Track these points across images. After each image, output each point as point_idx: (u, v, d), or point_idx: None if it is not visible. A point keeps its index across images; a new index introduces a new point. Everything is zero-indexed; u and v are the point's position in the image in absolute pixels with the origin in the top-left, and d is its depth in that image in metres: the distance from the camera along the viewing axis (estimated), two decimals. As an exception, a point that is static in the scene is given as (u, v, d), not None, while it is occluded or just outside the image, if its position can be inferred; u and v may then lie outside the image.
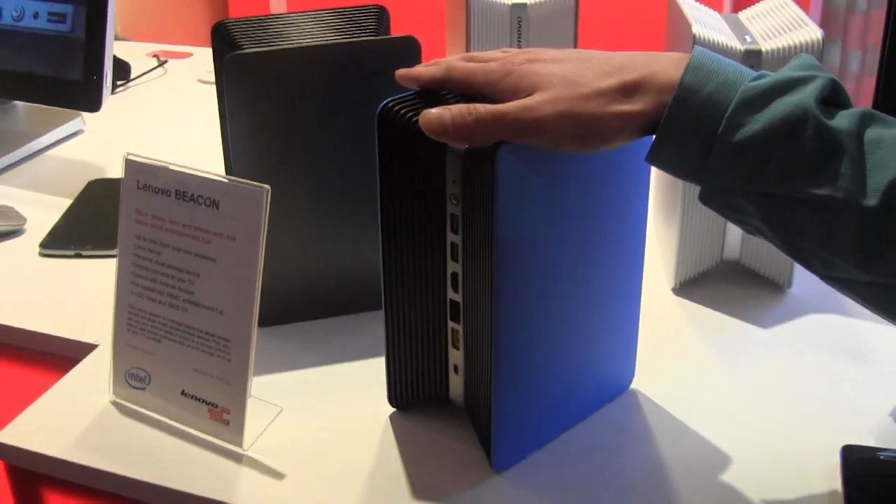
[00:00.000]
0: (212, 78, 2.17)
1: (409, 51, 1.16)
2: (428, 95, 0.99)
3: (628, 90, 0.90)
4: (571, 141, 0.91)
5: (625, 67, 0.91)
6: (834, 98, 0.87)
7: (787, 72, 0.88)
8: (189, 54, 2.41)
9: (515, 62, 0.95)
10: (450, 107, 0.92)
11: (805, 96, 0.85)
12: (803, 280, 1.37)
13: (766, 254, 1.36)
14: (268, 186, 1.00)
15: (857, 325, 1.29)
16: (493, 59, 0.98)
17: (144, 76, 2.24)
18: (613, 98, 0.90)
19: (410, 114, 0.97)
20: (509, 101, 0.92)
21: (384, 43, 1.18)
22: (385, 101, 0.98)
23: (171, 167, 1.05)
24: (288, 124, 1.17)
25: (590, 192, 1.00)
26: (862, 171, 0.84)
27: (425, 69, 1.00)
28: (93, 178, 1.68)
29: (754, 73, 0.89)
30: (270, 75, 1.14)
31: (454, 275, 1.03)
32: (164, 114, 2.06)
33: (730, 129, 0.86)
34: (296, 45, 1.19)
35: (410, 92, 1.00)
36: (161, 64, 2.31)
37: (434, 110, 0.93)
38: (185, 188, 1.04)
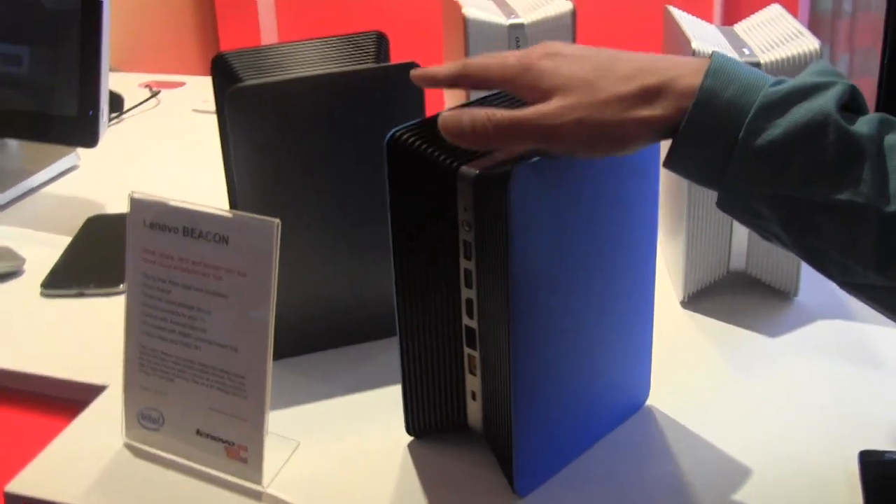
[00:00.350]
0: (207, 107, 2.18)
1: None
2: (436, 124, 0.99)
3: (648, 95, 0.89)
4: (589, 147, 0.90)
5: (644, 71, 0.90)
6: (853, 104, 0.87)
7: (807, 77, 0.87)
8: (182, 83, 2.40)
9: (533, 57, 0.94)
10: (468, 110, 0.92)
11: (826, 101, 0.85)
12: (810, 288, 1.37)
13: (772, 263, 1.35)
14: (277, 220, 0.99)
15: (866, 329, 1.29)
16: (510, 55, 0.96)
17: (138, 107, 2.24)
18: (633, 103, 0.89)
19: (419, 141, 0.97)
20: (527, 97, 0.92)
21: (387, 70, 1.18)
22: (393, 130, 0.98)
23: (178, 204, 1.04)
24: (292, 154, 1.17)
25: (600, 212, 1.00)
26: (883, 176, 0.83)
27: (440, 68, 0.99)
28: (91, 215, 1.67)
29: (773, 79, 0.88)
30: (274, 106, 1.14)
31: (469, 301, 1.02)
32: (161, 145, 2.05)
33: (751, 134, 0.85)
34: (297, 74, 1.18)
35: (418, 120, 0.99)
36: (154, 94, 2.30)
37: (451, 113, 0.92)
38: (192, 224, 1.04)
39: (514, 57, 0.95)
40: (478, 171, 0.95)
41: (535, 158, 0.91)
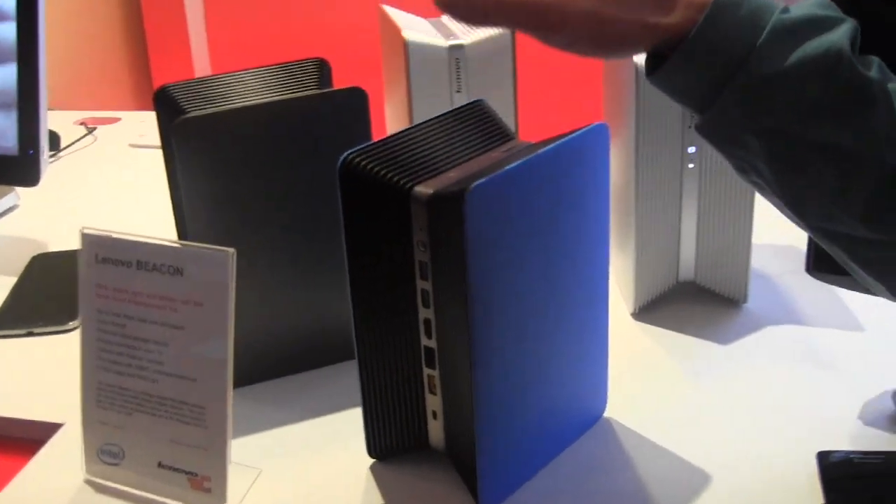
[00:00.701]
0: (144, 141, 2.17)
1: (357, 101, 1.16)
2: (386, 146, 1.00)
3: (661, 1, 0.85)
4: (588, 43, 0.87)
5: None
6: (855, 44, 0.84)
7: (815, 9, 0.84)
8: (118, 119, 2.39)
9: None
10: None
11: (840, 37, 0.82)
12: (758, 294, 1.38)
13: (720, 272, 1.37)
14: (232, 249, 1.00)
15: (815, 333, 1.30)
16: None
17: (74, 145, 2.22)
18: (644, 5, 0.85)
19: (372, 164, 0.98)
20: None
21: (332, 95, 1.18)
22: (345, 154, 0.98)
23: (130, 237, 1.04)
24: (241, 183, 1.17)
25: (554, 227, 1.00)
26: (891, 124, 0.81)
27: None
28: (36, 254, 1.66)
29: (780, 5, 0.85)
30: (221, 136, 1.14)
31: (426, 321, 1.03)
32: (100, 181, 2.04)
33: (760, 58, 0.82)
34: (243, 104, 1.18)
35: (369, 143, 1.00)
36: (91, 131, 2.29)
37: None
38: (145, 258, 1.03)
39: None
40: (432, 192, 0.96)
41: (488, 177, 0.91)
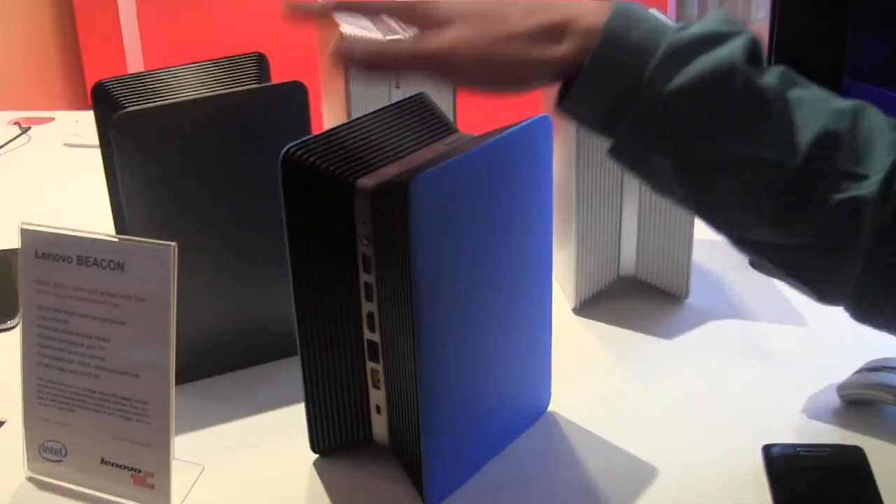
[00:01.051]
0: (79, 140, 2.15)
1: (297, 95, 1.16)
2: (328, 139, 0.99)
3: (550, 32, 0.87)
4: (491, 82, 0.88)
5: (544, 8, 0.88)
6: (755, 56, 0.86)
7: (712, 24, 0.85)
8: (51, 119, 2.36)
9: None
10: (364, 38, 0.89)
11: (732, 51, 0.84)
12: (699, 289, 1.39)
13: (661, 267, 1.37)
14: (174, 244, 0.99)
15: (756, 327, 1.31)
16: None
17: (8, 145, 2.20)
18: (534, 40, 0.87)
19: (313, 157, 0.97)
20: (422, 28, 0.89)
21: (273, 89, 1.17)
22: (287, 147, 0.97)
23: (71, 232, 1.03)
24: (181, 178, 1.16)
25: (498, 219, 1.00)
26: (788, 130, 0.83)
27: None
28: (-29, 253, 1.64)
29: (677, 25, 0.87)
30: (161, 131, 1.13)
31: (370, 315, 1.02)
32: (35, 181, 2.01)
33: (655, 80, 0.83)
34: (181, 98, 1.17)
35: (311, 136, 0.99)
36: (24, 131, 2.26)
37: (346, 41, 0.90)
38: (86, 253, 1.02)
39: None
40: (375, 184, 0.96)
41: (432, 168, 0.91)
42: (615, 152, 0.89)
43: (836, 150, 0.83)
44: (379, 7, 0.96)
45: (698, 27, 0.86)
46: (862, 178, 0.83)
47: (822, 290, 0.89)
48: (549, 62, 0.87)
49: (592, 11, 0.87)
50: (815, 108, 0.84)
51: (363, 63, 0.90)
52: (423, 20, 0.90)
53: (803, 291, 0.90)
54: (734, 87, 0.83)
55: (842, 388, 1.16)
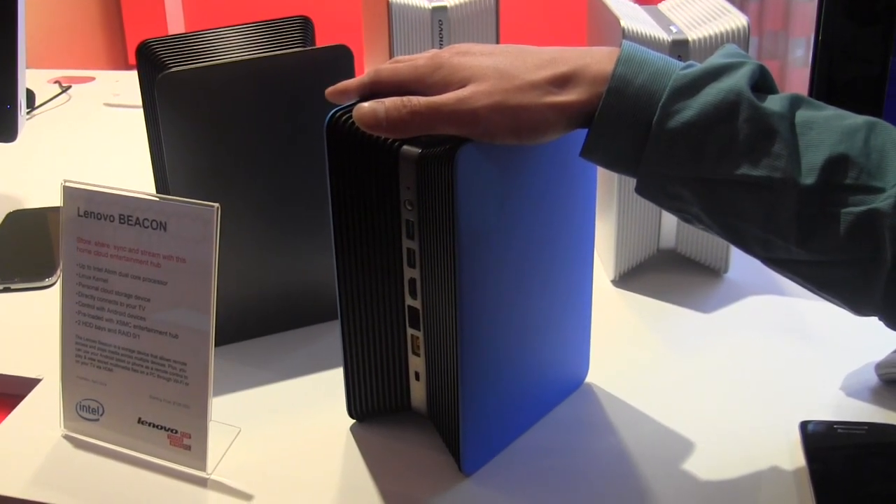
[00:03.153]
0: (119, 101, 2.15)
1: (343, 60, 1.16)
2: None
3: (561, 81, 0.90)
4: (507, 132, 0.91)
5: (556, 60, 0.92)
6: (763, 83, 0.89)
7: (716, 59, 0.89)
8: (92, 78, 2.37)
9: (444, 56, 0.95)
10: (383, 100, 0.92)
11: (737, 81, 0.87)
12: (739, 264, 1.38)
13: (701, 241, 1.37)
14: (217, 204, 0.98)
15: (795, 303, 1.31)
16: (420, 57, 0.98)
17: (49, 103, 2.21)
18: (547, 90, 0.90)
19: (359, 122, 0.97)
20: (441, 93, 0.92)
21: (318, 53, 1.17)
22: (332, 112, 0.97)
23: (113, 191, 1.03)
24: (225, 140, 1.16)
25: (542, 189, 1.00)
26: (796, 151, 0.85)
27: (352, 81, 1.00)
28: (11, 210, 1.64)
29: (683, 63, 0.90)
30: (204, 92, 1.13)
31: (412, 281, 1.02)
32: (74, 140, 2.02)
33: (665, 117, 0.87)
34: (226, 60, 1.17)
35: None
36: (65, 90, 2.27)
37: (367, 104, 0.93)
38: (129, 212, 1.02)
39: (424, 58, 0.97)
40: (420, 150, 0.95)
41: (479, 137, 0.91)
42: (640, 191, 0.92)
43: (850, 166, 0.85)
44: (394, 75, 0.98)
45: (703, 64, 0.89)
46: (878, 190, 0.84)
47: (854, 304, 0.90)
48: (561, 108, 0.90)
49: (600, 60, 0.91)
50: (826, 127, 0.86)
51: (389, 131, 0.93)
52: (444, 85, 0.93)
53: (839, 306, 0.92)
54: (740, 115, 0.86)
55: (880, 367, 1.16)
